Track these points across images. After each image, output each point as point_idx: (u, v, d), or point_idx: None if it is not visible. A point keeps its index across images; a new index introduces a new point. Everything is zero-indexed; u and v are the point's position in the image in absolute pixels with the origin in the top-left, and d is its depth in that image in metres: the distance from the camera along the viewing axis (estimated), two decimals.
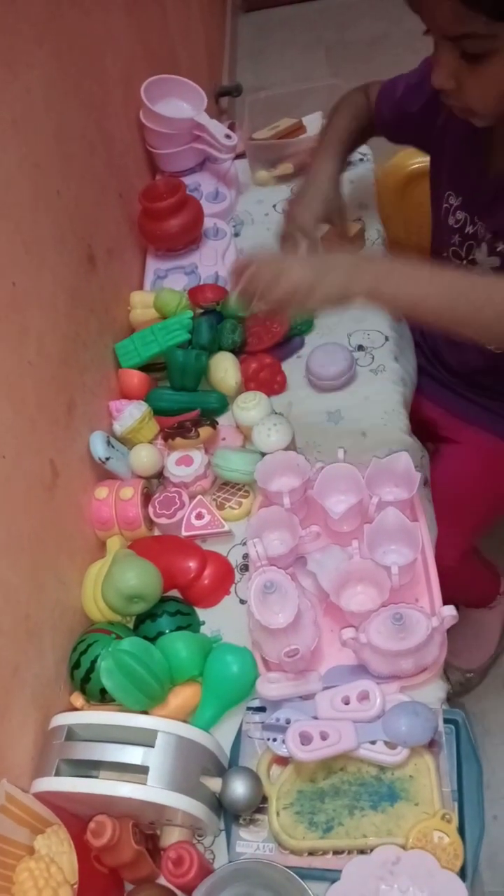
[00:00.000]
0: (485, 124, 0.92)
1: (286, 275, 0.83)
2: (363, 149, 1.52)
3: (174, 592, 0.98)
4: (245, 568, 1.00)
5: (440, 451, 1.28)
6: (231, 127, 1.47)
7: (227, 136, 1.40)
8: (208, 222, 1.37)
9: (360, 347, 1.19)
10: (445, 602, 0.84)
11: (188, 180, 1.44)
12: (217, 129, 1.40)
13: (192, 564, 0.96)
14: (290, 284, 0.83)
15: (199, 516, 1.01)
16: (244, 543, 1.00)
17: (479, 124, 0.92)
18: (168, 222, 1.29)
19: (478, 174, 1.03)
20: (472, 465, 1.22)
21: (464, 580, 1.25)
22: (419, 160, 1.48)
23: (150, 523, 1.04)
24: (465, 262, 1.09)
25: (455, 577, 1.01)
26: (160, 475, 1.09)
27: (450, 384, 1.28)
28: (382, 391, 1.13)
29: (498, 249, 1.03)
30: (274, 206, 1.47)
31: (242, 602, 0.97)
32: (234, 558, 1.01)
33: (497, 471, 1.22)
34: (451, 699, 0.88)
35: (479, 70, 0.82)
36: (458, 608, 0.82)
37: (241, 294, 0.88)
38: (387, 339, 1.20)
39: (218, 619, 0.96)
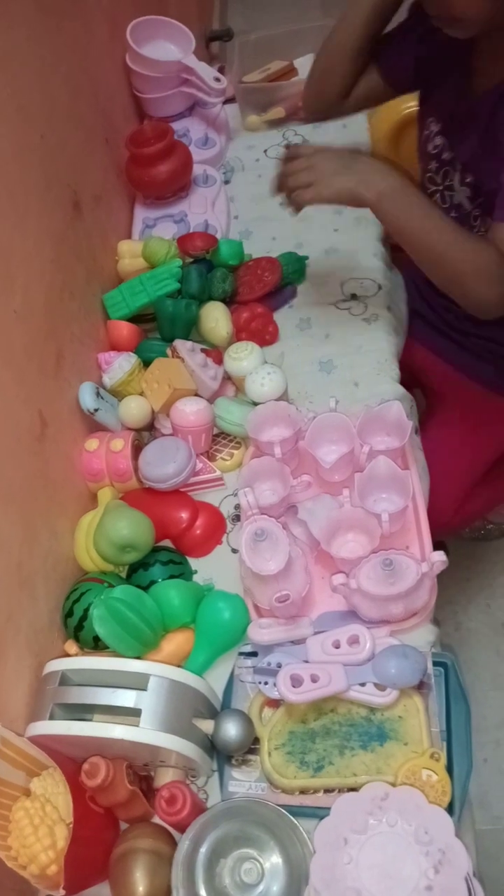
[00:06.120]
0: (467, 34, 0.93)
1: (311, 166, 0.95)
2: None
3: (166, 543, 0.98)
4: (237, 518, 1.00)
5: (430, 407, 1.28)
6: (220, 70, 1.43)
7: (217, 80, 1.36)
8: (198, 169, 1.34)
9: (354, 296, 1.18)
10: None
11: (177, 126, 1.40)
12: (206, 72, 1.35)
13: (185, 515, 0.97)
14: (312, 175, 0.95)
15: None
16: (236, 494, 1.00)
17: (462, 35, 0.93)
18: (156, 168, 1.26)
19: (458, 97, 1.03)
20: (460, 423, 1.23)
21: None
22: (412, 105, 1.43)
23: None
24: (441, 187, 1.10)
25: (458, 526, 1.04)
26: (151, 427, 1.09)
27: (441, 327, 1.26)
28: (375, 340, 1.12)
29: (467, 181, 1.02)
30: (265, 151, 1.43)
31: (234, 551, 0.97)
32: (226, 509, 1.01)
33: (484, 422, 1.23)
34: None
35: None
36: (447, 553, 0.82)
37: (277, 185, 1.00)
38: (380, 287, 1.18)
39: (210, 569, 0.96)
